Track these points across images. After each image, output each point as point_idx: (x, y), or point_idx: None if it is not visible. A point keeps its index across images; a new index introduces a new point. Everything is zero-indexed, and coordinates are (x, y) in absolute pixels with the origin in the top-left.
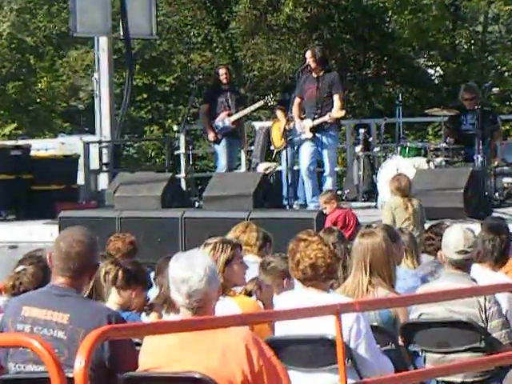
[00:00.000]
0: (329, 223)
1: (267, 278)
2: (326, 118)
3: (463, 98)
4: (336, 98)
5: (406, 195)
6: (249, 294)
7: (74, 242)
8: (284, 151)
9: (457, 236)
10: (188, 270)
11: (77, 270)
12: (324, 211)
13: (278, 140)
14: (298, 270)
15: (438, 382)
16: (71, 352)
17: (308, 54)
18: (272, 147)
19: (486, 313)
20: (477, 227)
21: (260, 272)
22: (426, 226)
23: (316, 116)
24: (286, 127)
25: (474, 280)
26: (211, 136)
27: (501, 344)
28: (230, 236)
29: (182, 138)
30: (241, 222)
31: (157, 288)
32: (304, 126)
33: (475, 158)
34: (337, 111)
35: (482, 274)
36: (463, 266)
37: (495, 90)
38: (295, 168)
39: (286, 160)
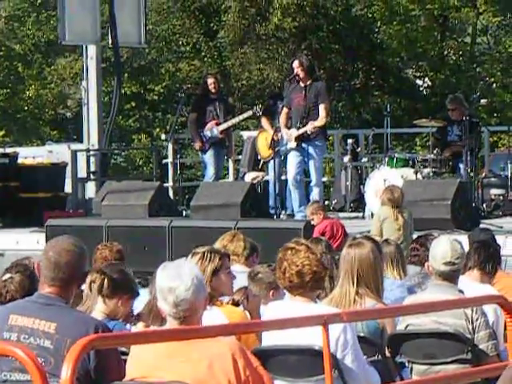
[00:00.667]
0: (317, 233)
1: (255, 288)
2: (308, 127)
3: (448, 109)
4: (322, 107)
5: (397, 206)
6: (236, 303)
7: (63, 251)
8: (271, 161)
9: (444, 247)
10: (175, 279)
11: (65, 280)
12: (312, 222)
13: (264, 150)
14: (285, 277)
15: None
16: (57, 361)
17: (295, 63)
18: (259, 157)
19: (473, 324)
20: (464, 238)
21: (248, 282)
22: (414, 236)
23: (301, 125)
24: (274, 137)
25: (461, 291)
26: (197, 145)
27: (487, 355)
28: (217, 245)
29: (170, 146)
30: (228, 231)
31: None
32: (290, 136)
33: (463, 169)
34: (319, 121)
35: (470, 286)
36: (450, 277)
37: (483, 101)
38: (283, 178)
39: (274, 170)
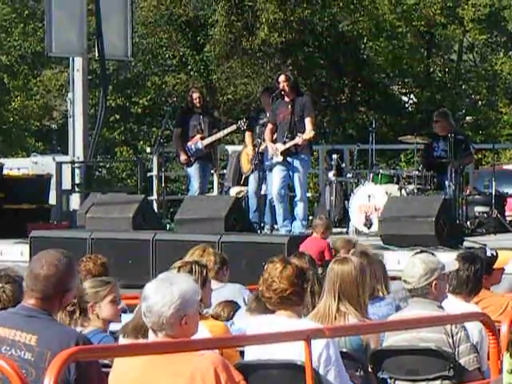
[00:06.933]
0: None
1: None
2: (297, 140)
3: (434, 120)
4: (308, 120)
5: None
6: (216, 317)
7: (45, 264)
8: (251, 176)
9: (411, 266)
10: (158, 293)
11: (45, 293)
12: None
13: (246, 165)
14: (263, 291)
15: None
16: (38, 373)
17: (282, 78)
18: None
19: (453, 338)
20: (445, 255)
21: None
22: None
23: (287, 140)
24: (253, 152)
25: (440, 307)
26: (183, 158)
27: (469, 371)
28: (188, 259)
29: (155, 160)
30: (212, 245)
31: None
32: (276, 150)
33: (447, 185)
34: (308, 134)
35: (455, 304)
36: (425, 293)
37: (468, 118)
38: (262, 193)
39: (253, 185)
